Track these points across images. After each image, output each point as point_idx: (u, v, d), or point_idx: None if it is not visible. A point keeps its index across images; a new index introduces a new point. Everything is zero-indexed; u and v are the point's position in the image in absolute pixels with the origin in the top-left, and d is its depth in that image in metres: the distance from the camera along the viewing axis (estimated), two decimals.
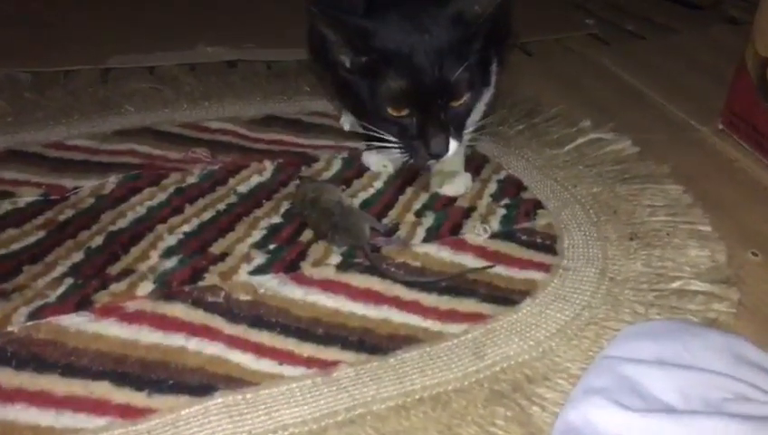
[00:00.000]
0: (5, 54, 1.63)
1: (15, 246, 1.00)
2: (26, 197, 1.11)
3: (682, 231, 1.07)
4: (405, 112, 0.99)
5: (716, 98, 1.44)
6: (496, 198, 1.16)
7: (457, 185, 1.16)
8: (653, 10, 2.14)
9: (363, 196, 1.16)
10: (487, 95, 1.14)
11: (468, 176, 1.18)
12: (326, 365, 0.83)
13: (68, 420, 0.76)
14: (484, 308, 0.93)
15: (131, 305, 0.90)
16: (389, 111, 0.99)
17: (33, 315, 0.87)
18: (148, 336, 0.86)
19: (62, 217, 1.06)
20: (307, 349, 0.86)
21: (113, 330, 0.86)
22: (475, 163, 1.24)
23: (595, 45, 1.88)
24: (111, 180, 1.15)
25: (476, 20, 0.97)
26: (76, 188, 1.13)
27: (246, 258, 0.99)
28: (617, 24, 2.03)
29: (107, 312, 0.89)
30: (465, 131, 1.08)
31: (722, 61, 1.65)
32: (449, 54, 0.96)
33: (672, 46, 1.85)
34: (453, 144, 1.01)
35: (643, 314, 0.91)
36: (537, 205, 1.14)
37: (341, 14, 0.98)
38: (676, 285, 0.96)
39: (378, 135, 1.04)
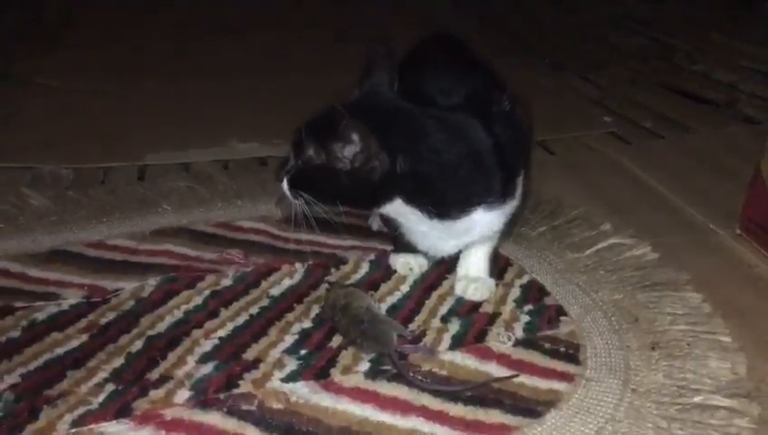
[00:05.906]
0: (49, 149, 1.72)
1: (59, 351, 1.04)
2: (70, 299, 1.16)
3: (703, 341, 1.09)
4: None
5: (734, 200, 1.46)
6: (520, 304, 1.19)
7: (481, 291, 1.20)
8: (668, 106, 2.19)
9: (390, 300, 1.20)
10: (512, 205, 1.15)
11: (492, 281, 1.22)
12: None
13: None
14: (509, 419, 0.95)
15: (169, 413, 0.93)
16: None
17: (76, 422, 0.91)
18: None
19: (103, 321, 1.11)
20: None
21: None
22: (498, 266, 1.28)
23: (615, 144, 1.93)
24: (150, 283, 1.20)
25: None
26: (117, 290, 1.19)
27: (278, 365, 1.03)
28: (634, 121, 2.08)
29: (146, 419, 0.92)
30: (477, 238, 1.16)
31: (739, 162, 1.68)
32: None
33: (690, 146, 1.90)
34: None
35: (666, 429, 0.93)
36: (560, 311, 1.17)
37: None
38: (697, 399, 0.98)
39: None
